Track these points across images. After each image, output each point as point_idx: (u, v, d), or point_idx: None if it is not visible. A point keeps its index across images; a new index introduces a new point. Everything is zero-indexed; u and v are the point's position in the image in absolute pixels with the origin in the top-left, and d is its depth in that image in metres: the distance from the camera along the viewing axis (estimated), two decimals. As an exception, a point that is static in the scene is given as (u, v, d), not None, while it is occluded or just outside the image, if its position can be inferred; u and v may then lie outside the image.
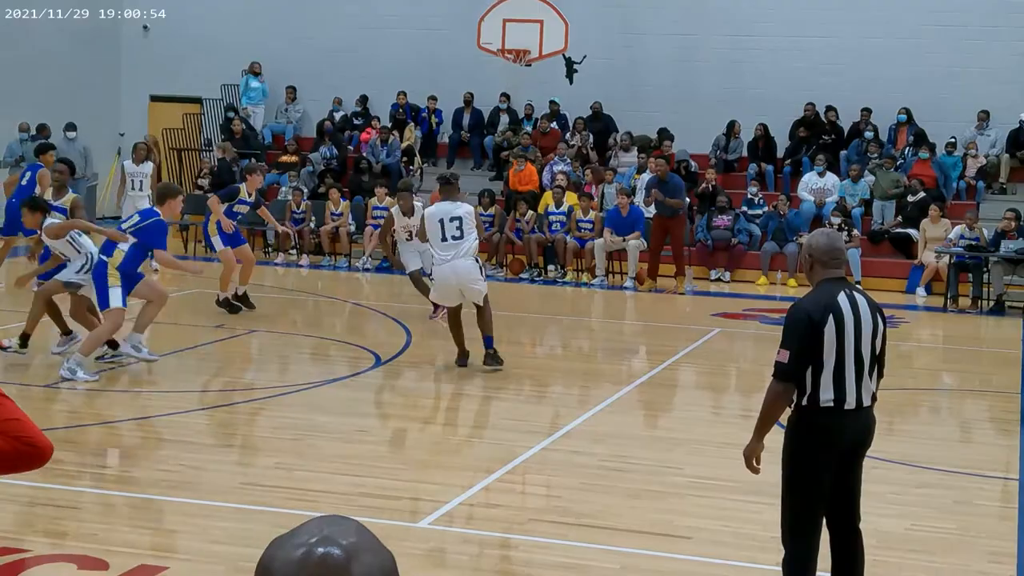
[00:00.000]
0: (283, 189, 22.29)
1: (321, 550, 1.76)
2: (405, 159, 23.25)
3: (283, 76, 25.01)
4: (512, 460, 9.03)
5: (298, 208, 21.25)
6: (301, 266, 20.65)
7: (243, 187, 15.05)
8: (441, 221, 11.68)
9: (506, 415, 10.69)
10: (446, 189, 12.20)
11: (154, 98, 25.82)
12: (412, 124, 23.91)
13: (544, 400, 11.72)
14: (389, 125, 23.75)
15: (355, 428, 9.89)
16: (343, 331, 14.62)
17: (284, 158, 23.37)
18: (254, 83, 24.97)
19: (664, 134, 22.20)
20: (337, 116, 24.55)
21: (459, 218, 11.68)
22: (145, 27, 25.71)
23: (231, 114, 24.45)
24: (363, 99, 24.51)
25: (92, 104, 24.40)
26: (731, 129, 22.54)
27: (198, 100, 25.43)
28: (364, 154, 23.25)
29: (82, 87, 24.39)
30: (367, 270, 20.16)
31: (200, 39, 25.02)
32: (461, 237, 11.64)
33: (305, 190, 21.93)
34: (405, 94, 24.15)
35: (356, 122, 24.45)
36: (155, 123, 25.18)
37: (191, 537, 7.18)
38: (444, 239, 11.66)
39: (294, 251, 21.16)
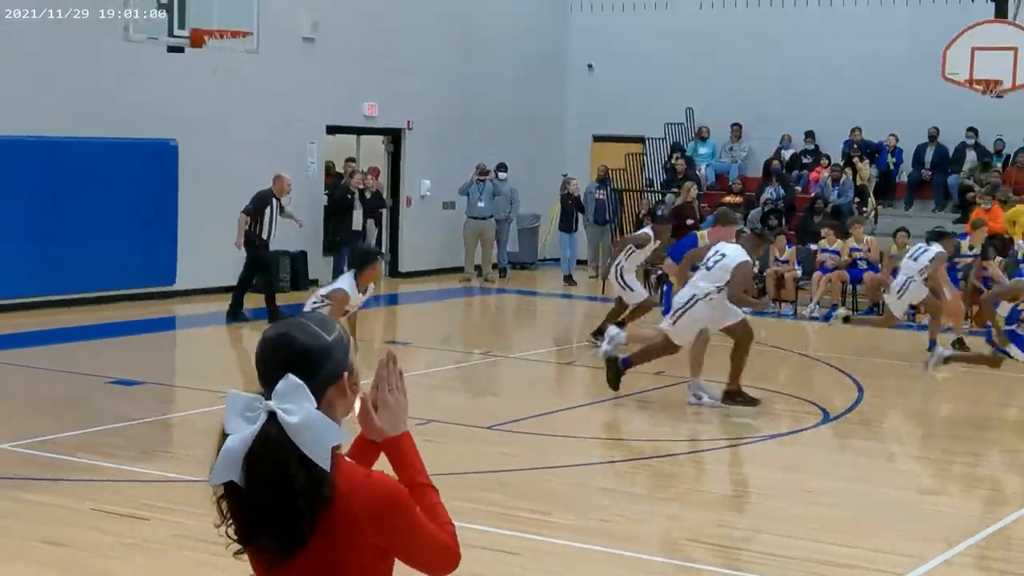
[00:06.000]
0: (726, 231, 22.32)
1: None
2: (858, 199, 22.75)
3: (727, 114, 25.07)
4: (979, 532, 8.56)
5: (742, 251, 21.20)
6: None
7: None
8: None
9: (971, 481, 10.16)
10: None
11: (597, 138, 26.55)
12: (867, 161, 23.36)
13: (1015, 466, 11.05)
14: (841, 163, 23.31)
15: (801, 487, 9.69)
16: (787, 383, 14.38)
17: (728, 198, 23.39)
18: (702, 150, 25.29)
19: None
20: (785, 154, 24.35)
21: None
22: (590, 66, 26.50)
23: (675, 153, 24.77)
24: (809, 135, 24.21)
25: (536, 144, 25.33)
26: None
27: (641, 139, 25.93)
28: (813, 194, 22.92)
29: (527, 128, 25.33)
30: (814, 318, 19.79)
31: (644, 79, 25.50)
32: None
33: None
34: (859, 130, 23.66)
35: (805, 160, 24.17)
36: (596, 162, 25.84)
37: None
38: None
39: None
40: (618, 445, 11.11)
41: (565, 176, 24.43)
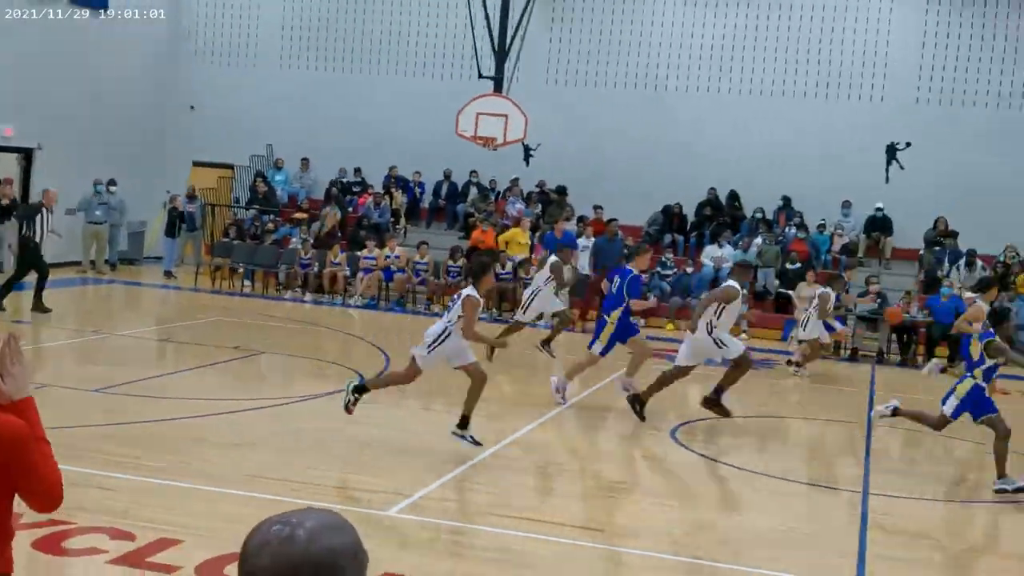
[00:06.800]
0: (294, 240, 22.17)
1: (287, 531, 1.72)
2: (393, 219, 23.25)
3: (299, 149, 24.97)
4: (465, 463, 8.98)
5: (306, 255, 21.16)
6: (305, 302, 20.50)
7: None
8: None
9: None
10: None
11: (196, 163, 25.65)
12: (400, 191, 23.93)
13: (489, 417, 11.64)
14: (381, 191, 23.74)
15: (341, 433, 9.80)
16: (335, 355, 14.50)
17: (297, 215, 23.29)
18: (278, 176, 25.01)
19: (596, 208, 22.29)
20: (341, 183, 24.54)
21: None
22: (192, 107, 25.57)
23: (258, 178, 24.38)
24: (357, 170, 24.54)
25: (146, 166, 24.20)
26: (668, 211, 22.73)
27: (231, 166, 25.32)
28: (360, 214, 23.21)
29: (140, 152, 24.17)
30: (357, 307, 20.07)
31: (234, 119, 24.95)
32: None
33: (311, 241, 21.83)
34: (395, 167, 24.18)
35: (355, 189, 24.43)
36: (195, 183, 24.98)
37: (204, 517, 7.08)
38: None
39: (299, 289, 21.05)
40: (203, 404, 10.79)
41: (169, 192, 23.44)
